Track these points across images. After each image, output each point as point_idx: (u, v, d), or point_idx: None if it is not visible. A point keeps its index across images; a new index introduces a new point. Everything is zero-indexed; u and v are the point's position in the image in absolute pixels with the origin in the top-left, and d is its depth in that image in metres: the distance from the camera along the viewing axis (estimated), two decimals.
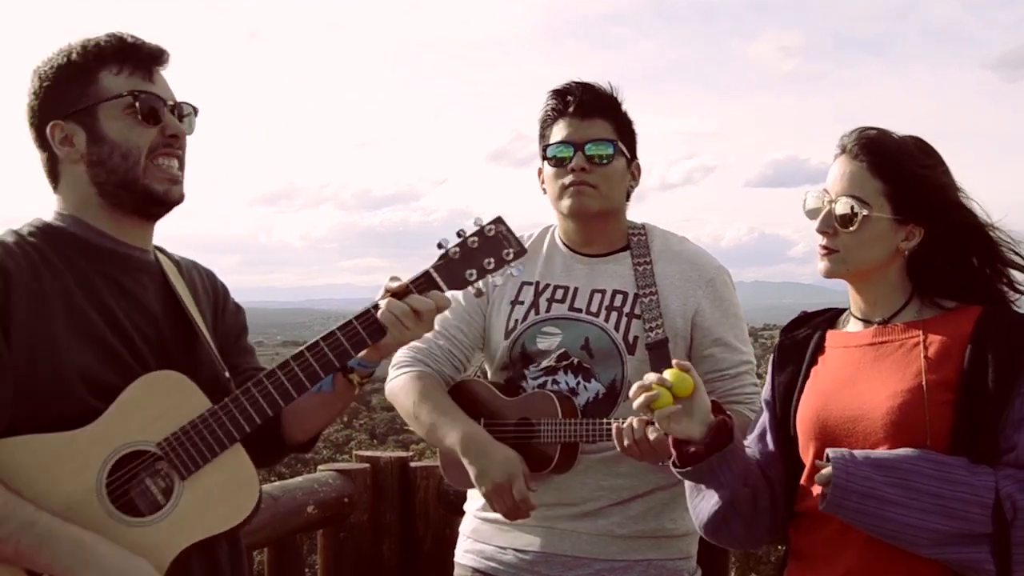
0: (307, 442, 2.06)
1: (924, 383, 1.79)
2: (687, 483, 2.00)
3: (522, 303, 2.57)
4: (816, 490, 1.83)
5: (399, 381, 2.57)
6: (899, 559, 1.77)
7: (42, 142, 1.87)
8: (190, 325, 1.91)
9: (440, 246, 1.85)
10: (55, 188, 1.90)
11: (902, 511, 1.71)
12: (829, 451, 1.79)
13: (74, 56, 1.84)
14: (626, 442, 2.25)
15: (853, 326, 1.98)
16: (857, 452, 1.78)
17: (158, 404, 1.77)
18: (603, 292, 2.52)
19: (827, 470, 1.77)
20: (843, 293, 2.01)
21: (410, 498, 3.64)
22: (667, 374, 1.91)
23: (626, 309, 2.49)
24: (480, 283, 1.85)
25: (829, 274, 1.91)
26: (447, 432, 2.45)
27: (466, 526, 2.68)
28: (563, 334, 2.50)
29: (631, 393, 1.93)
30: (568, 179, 2.48)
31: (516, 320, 2.56)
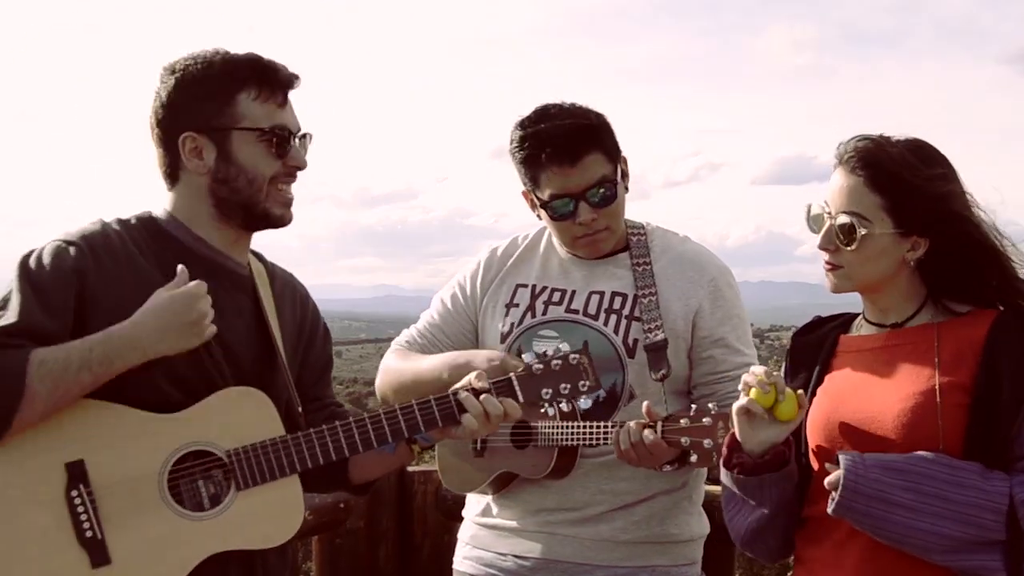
0: (360, 486, 2.23)
1: (937, 386, 1.79)
2: (724, 494, 2.00)
3: (517, 306, 2.58)
4: (824, 495, 1.83)
5: (385, 363, 2.63)
6: (906, 566, 1.78)
7: (167, 145, 2.00)
8: (272, 351, 2.06)
9: (524, 361, 2.05)
10: (170, 187, 2.05)
11: (912, 515, 1.72)
12: (839, 453, 1.80)
13: (214, 70, 1.97)
14: (623, 446, 2.25)
15: (866, 330, 1.99)
16: (868, 455, 1.78)
17: (239, 416, 1.94)
18: (601, 294, 2.52)
19: (836, 473, 1.77)
20: (853, 294, 2.02)
21: (407, 504, 3.64)
22: (788, 390, 1.87)
23: (625, 311, 2.49)
24: (549, 406, 2.05)
25: (836, 290, 1.93)
26: (425, 365, 2.50)
27: (465, 532, 2.68)
28: (561, 338, 2.48)
29: (753, 370, 1.89)
30: (579, 231, 2.45)
31: (512, 324, 2.56)
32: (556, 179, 2.40)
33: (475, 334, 2.65)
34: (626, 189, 2.52)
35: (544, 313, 2.54)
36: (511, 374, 2.04)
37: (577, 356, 2.04)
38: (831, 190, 1.91)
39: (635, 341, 2.46)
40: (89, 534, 1.82)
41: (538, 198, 2.46)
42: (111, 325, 1.85)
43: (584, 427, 2.39)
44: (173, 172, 2.02)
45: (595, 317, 2.50)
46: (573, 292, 2.55)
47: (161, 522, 1.85)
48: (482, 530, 2.61)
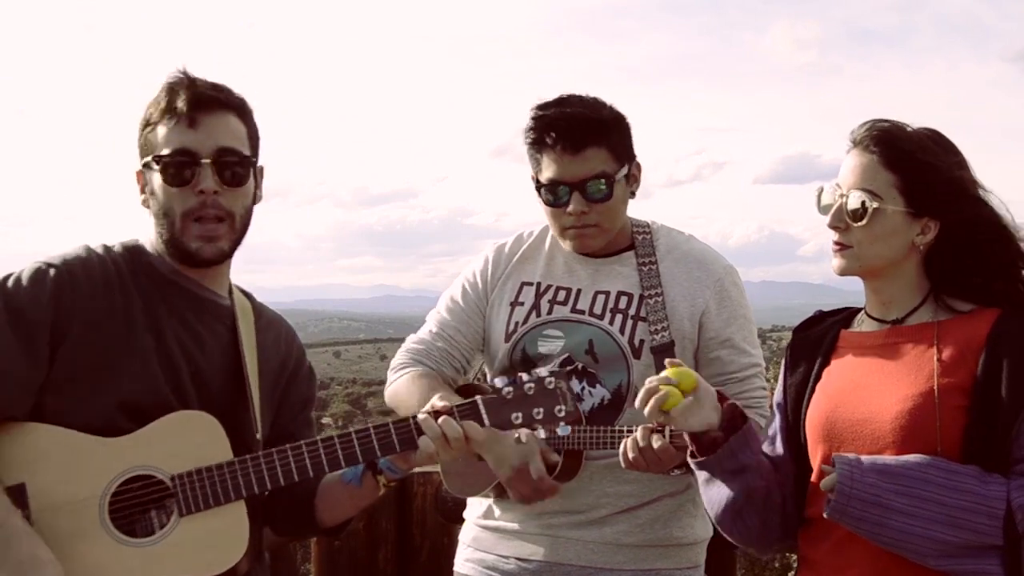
0: (334, 528, 2.15)
1: (936, 387, 1.79)
2: (700, 475, 2.00)
3: (522, 304, 2.57)
4: (824, 494, 1.83)
5: (400, 382, 2.58)
6: (908, 569, 1.78)
7: None
8: (242, 385, 2.00)
9: (495, 386, 1.94)
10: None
11: (907, 520, 1.72)
12: (835, 456, 1.80)
13: (150, 104, 1.96)
14: (631, 455, 2.24)
15: (868, 326, 1.98)
16: (864, 458, 1.78)
17: (186, 441, 1.88)
18: (607, 293, 2.53)
19: (832, 476, 1.77)
20: (855, 293, 2.01)
21: (407, 505, 3.64)
22: (667, 373, 1.92)
23: (631, 311, 2.49)
24: (523, 432, 1.93)
25: (843, 271, 1.91)
26: None
27: (466, 534, 2.68)
28: (566, 337, 2.50)
29: (638, 401, 1.92)
30: (568, 221, 2.46)
31: (516, 323, 2.55)
32: (555, 165, 2.42)
33: (480, 334, 2.64)
34: (632, 194, 2.53)
35: (549, 312, 2.54)
36: (477, 397, 1.94)
37: (553, 380, 1.92)
38: (844, 171, 1.91)
39: (641, 342, 2.46)
40: None
41: (538, 181, 2.48)
42: (77, 352, 1.84)
43: (589, 431, 2.40)
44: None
45: (600, 317, 2.50)
46: (579, 291, 2.55)
47: (99, 549, 1.80)
48: (484, 532, 2.61)
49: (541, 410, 1.91)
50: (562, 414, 1.92)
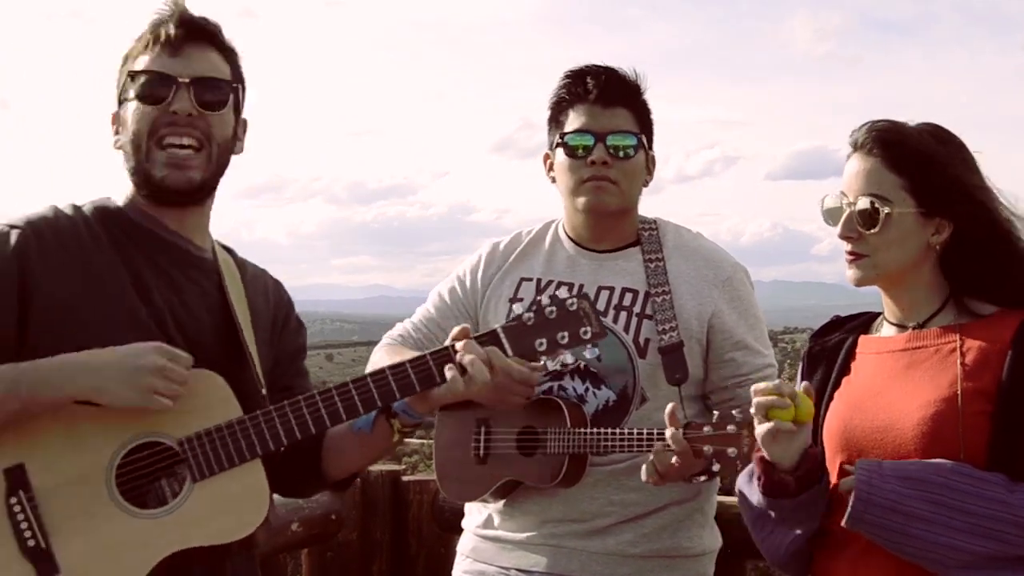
0: (342, 480, 2.12)
1: (959, 392, 1.79)
2: (752, 513, 1.96)
3: (521, 300, 2.57)
4: (841, 506, 1.82)
5: (373, 356, 2.61)
6: None
7: None
8: (237, 337, 1.97)
9: (515, 312, 1.91)
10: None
11: (929, 528, 1.71)
12: (858, 461, 1.79)
13: (134, 39, 1.96)
14: (661, 469, 2.20)
15: (887, 331, 1.98)
16: (886, 463, 1.78)
17: (191, 402, 1.82)
18: (611, 290, 2.53)
19: (849, 479, 1.77)
20: (871, 294, 2.02)
21: (402, 514, 3.64)
22: (800, 393, 1.83)
23: (636, 309, 2.50)
24: (548, 358, 1.89)
25: (860, 282, 1.91)
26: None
27: (464, 545, 2.68)
28: None
29: (756, 389, 1.84)
30: (587, 173, 2.48)
31: None
32: (584, 116, 2.50)
33: (474, 330, 2.65)
34: (646, 183, 2.57)
35: None
36: (496, 326, 1.91)
37: (576, 301, 1.89)
38: (847, 177, 1.91)
39: (647, 340, 2.47)
40: (32, 543, 1.74)
41: (559, 137, 2.52)
42: (55, 312, 1.81)
43: (594, 434, 2.39)
44: None
45: (604, 314, 2.50)
46: (581, 286, 2.54)
47: (112, 524, 1.78)
48: (483, 542, 2.61)
49: (566, 334, 1.88)
50: (588, 335, 1.88)
